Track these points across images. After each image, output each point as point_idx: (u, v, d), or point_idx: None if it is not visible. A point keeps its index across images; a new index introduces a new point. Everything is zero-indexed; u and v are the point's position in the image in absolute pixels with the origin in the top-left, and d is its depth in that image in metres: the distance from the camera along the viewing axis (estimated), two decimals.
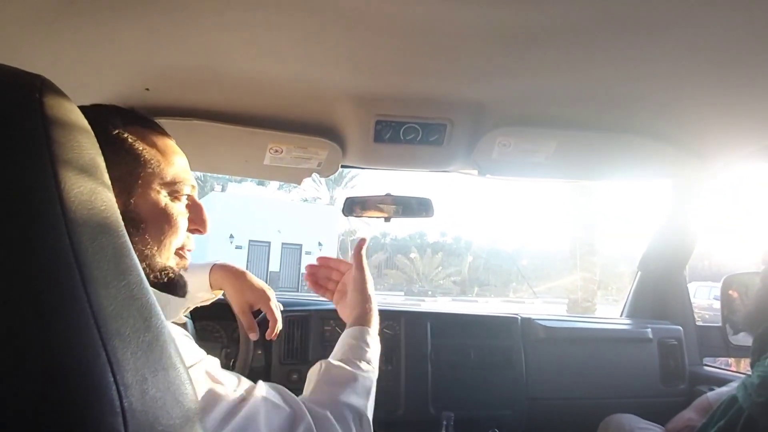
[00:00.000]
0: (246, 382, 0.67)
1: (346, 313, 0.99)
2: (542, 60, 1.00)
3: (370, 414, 0.80)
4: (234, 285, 1.12)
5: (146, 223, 0.66)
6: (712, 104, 1.15)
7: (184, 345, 0.62)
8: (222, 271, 1.13)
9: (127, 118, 0.70)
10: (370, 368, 0.85)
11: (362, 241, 1.02)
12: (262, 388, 0.68)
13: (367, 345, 0.89)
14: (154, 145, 0.70)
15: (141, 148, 0.67)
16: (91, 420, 0.36)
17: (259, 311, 1.52)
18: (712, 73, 1.01)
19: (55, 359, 0.36)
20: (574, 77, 1.07)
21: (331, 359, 0.84)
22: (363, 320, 0.93)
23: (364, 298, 0.96)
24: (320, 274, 1.07)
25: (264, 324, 1.52)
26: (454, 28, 0.88)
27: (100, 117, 0.51)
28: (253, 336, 1.14)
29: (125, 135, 0.66)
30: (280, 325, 1.14)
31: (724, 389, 1.46)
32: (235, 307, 1.13)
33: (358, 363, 0.83)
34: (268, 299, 1.13)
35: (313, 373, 0.81)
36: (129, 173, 0.65)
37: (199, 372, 0.61)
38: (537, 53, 0.97)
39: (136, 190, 0.66)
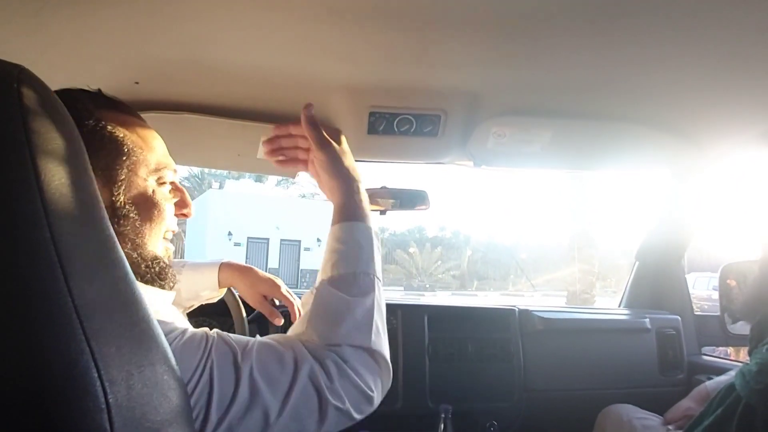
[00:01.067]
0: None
1: (327, 194, 0.81)
2: (537, 48, 0.98)
3: (382, 344, 0.70)
4: (245, 281, 1.12)
5: (135, 212, 0.65)
6: (708, 91, 1.14)
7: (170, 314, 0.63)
8: (230, 270, 1.12)
9: (99, 102, 0.68)
10: (369, 280, 0.72)
11: (307, 106, 0.79)
12: (257, 339, 0.65)
13: (359, 245, 0.73)
14: (133, 131, 0.68)
15: (122, 135, 0.66)
16: (75, 417, 0.36)
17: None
18: (709, 60, 1.00)
19: (37, 356, 0.36)
20: (569, 65, 1.06)
21: (323, 278, 0.72)
22: (347, 212, 0.76)
23: (341, 181, 0.78)
24: (284, 144, 0.86)
25: (264, 317, 1.52)
26: (447, 17, 0.87)
27: (72, 103, 0.49)
28: (278, 321, 1.12)
29: (103, 122, 0.64)
30: (298, 304, 1.13)
31: (722, 378, 1.46)
32: (250, 301, 1.13)
33: (353, 279, 0.70)
34: (279, 287, 1.13)
35: (306, 303, 0.72)
36: (112, 162, 0.64)
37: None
38: (531, 41, 0.96)
39: (123, 180, 0.64)
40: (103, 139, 0.63)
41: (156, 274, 0.67)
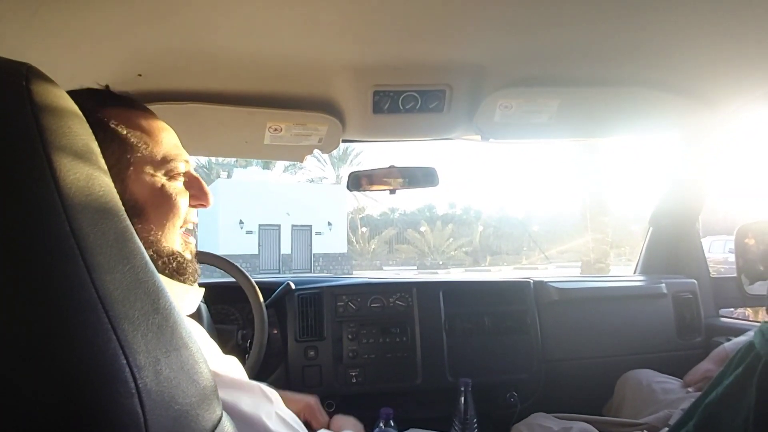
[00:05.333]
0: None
1: None
2: (540, 16, 0.97)
3: None
4: None
5: (146, 208, 0.65)
6: (717, 49, 1.11)
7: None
8: None
9: (103, 99, 0.67)
10: None
11: None
12: None
13: None
14: (138, 126, 0.67)
15: (125, 132, 0.65)
16: (107, 403, 0.37)
17: (275, 289, 1.53)
18: (716, 17, 0.98)
19: (65, 346, 0.37)
20: (575, 32, 1.04)
21: None
22: None
23: None
24: None
25: (281, 301, 1.54)
26: None
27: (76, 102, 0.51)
28: None
29: (105, 119, 0.63)
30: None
31: (741, 339, 1.45)
32: None
33: None
34: (314, 408, 1.10)
35: None
36: (118, 160, 0.63)
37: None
38: (535, 9, 0.94)
39: (129, 177, 0.64)
40: (105, 137, 0.62)
41: (174, 270, 0.68)
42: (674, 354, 1.68)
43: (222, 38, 1.00)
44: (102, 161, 0.45)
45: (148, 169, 0.66)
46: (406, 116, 1.31)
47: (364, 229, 25.20)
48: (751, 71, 1.21)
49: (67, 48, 0.96)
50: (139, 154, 0.65)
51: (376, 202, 26.19)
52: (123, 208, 0.45)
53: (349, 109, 1.31)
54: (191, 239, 0.74)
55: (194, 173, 0.74)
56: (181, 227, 0.70)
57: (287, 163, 22.95)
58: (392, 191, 1.54)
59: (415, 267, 22.31)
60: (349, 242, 21.35)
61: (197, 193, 0.73)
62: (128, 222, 0.45)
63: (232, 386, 0.61)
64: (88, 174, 0.41)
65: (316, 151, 1.50)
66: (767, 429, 0.72)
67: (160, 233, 0.66)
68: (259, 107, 1.27)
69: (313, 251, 18.32)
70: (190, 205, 0.72)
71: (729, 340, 1.54)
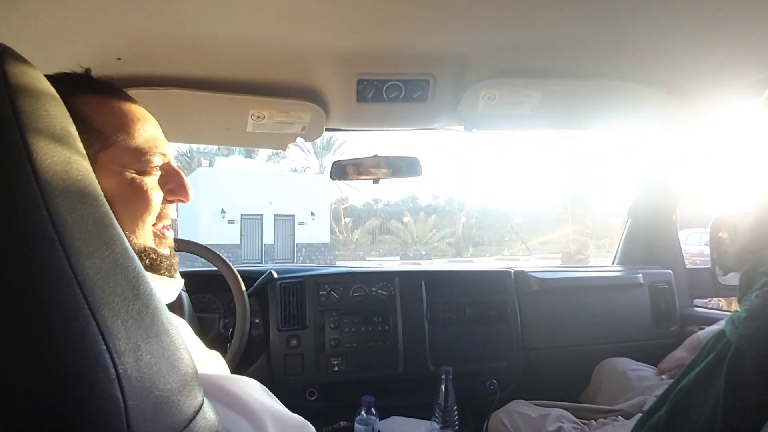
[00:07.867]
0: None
1: None
2: (524, 8, 0.97)
3: None
4: None
5: (114, 203, 0.60)
6: (695, 45, 1.13)
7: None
8: None
9: (80, 85, 0.64)
10: None
11: None
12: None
13: None
14: (113, 115, 0.64)
15: (98, 120, 0.62)
16: (87, 388, 0.37)
17: (257, 278, 1.53)
18: (695, 13, 1.00)
19: (44, 332, 0.36)
20: (557, 24, 1.05)
21: None
22: None
23: None
24: None
25: (263, 290, 1.54)
26: None
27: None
28: None
29: (77, 106, 0.59)
30: None
31: (713, 327, 1.49)
32: None
33: None
34: None
35: None
36: (86, 149, 0.58)
37: None
38: (518, 1, 0.94)
39: (98, 169, 0.58)
40: (76, 124, 0.59)
41: (147, 266, 0.65)
42: (650, 342, 1.72)
43: (204, 23, 0.99)
44: (80, 145, 0.44)
45: (118, 162, 0.63)
46: (390, 105, 1.31)
47: (347, 220, 25.15)
48: (728, 68, 1.24)
49: (44, 30, 0.93)
50: (109, 145, 0.62)
51: (359, 192, 26.18)
52: (102, 193, 0.44)
53: (333, 98, 1.30)
54: (169, 233, 0.71)
55: (174, 166, 0.71)
56: (155, 224, 0.68)
57: (270, 152, 22.78)
58: (376, 181, 1.54)
59: (398, 257, 22.38)
60: (332, 232, 21.30)
61: (175, 188, 0.70)
62: (107, 207, 0.44)
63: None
64: (65, 158, 0.41)
65: (299, 140, 1.50)
66: (735, 413, 0.75)
67: (128, 230, 0.63)
68: (241, 94, 1.25)
69: (296, 241, 18.24)
70: (168, 201, 0.70)
71: (702, 328, 1.59)
